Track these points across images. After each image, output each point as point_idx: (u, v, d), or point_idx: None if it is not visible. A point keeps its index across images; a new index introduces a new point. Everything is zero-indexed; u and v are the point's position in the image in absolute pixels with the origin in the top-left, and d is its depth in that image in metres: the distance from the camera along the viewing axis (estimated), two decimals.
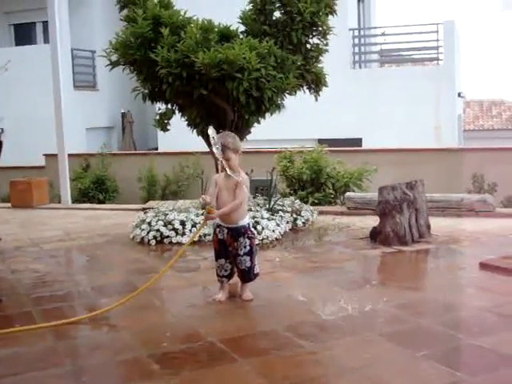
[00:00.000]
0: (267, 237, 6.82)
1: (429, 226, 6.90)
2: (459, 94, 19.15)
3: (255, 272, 4.78)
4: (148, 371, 3.48)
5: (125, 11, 7.40)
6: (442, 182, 10.60)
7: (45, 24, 17.83)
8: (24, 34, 21.35)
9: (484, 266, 5.53)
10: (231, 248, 4.69)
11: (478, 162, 12.02)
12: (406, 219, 6.64)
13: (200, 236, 6.79)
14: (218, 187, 4.59)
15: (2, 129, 16.11)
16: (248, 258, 4.69)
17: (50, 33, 10.72)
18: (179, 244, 6.78)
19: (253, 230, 4.89)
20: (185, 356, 3.70)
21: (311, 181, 10.17)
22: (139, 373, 3.49)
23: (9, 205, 10.82)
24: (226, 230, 4.68)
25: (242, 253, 4.67)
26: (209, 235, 6.55)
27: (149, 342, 3.94)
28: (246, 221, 4.75)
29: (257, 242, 6.50)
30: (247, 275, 4.74)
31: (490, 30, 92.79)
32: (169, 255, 6.51)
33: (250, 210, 7.24)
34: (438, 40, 18.01)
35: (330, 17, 7.57)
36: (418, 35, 18.52)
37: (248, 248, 4.69)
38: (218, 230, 4.74)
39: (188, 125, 7.60)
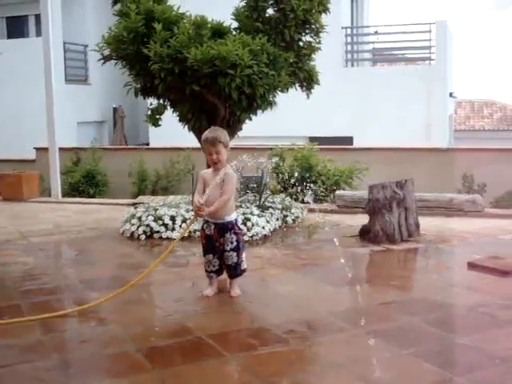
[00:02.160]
0: (257, 233, 6.83)
1: (418, 226, 6.93)
2: (451, 94, 19.23)
3: (242, 268, 4.78)
4: (136, 365, 3.49)
5: (118, 6, 7.38)
6: (432, 182, 10.64)
7: (37, 17, 17.73)
8: (16, 27, 21.26)
9: (472, 265, 5.56)
10: (218, 244, 4.69)
11: (468, 162, 12.09)
12: (395, 218, 6.66)
13: (189, 231, 6.80)
14: (206, 183, 4.59)
15: None
16: (235, 254, 4.69)
17: (43, 26, 10.67)
18: (169, 239, 6.78)
19: (240, 225, 4.90)
20: (173, 350, 3.71)
21: (302, 178, 10.19)
22: (127, 366, 3.50)
23: None
24: (212, 226, 4.68)
25: (228, 248, 4.67)
26: (198, 231, 6.55)
27: (137, 336, 3.95)
28: (233, 216, 4.75)
29: (246, 238, 6.56)
30: (234, 271, 4.75)
31: (482, 30, 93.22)
32: (158, 250, 6.52)
33: (241, 206, 7.25)
34: (430, 40, 18.06)
35: (323, 15, 7.57)
36: (410, 34, 18.59)
37: (235, 244, 4.69)
38: (205, 225, 4.74)
39: (180, 120, 7.59)
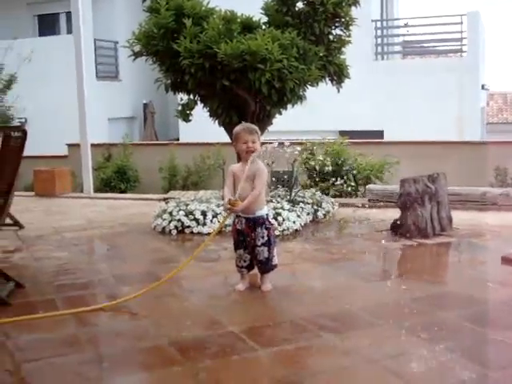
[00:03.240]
0: (288, 228, 6.83)
1: (450, 220, 6.86)
2: (483, 87, 18.99)
3: (273, 263, 4.75)
4: (169, 359, 3.51)
5: (148, 2, 7.41)
6: (464, 175, 10.52)
7: (68, 15, 17.92)
8: (48, 25, 21.50)
9: (506, 260, 5.49)
10: (249, 238, 4.69)
11: (501, 155, 11.91)
12: (427, 212, 6.61)
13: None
14: (236, 177, 4.60)
15: (26, 118, 16.25)
16: (266, 249, 4.67)
17: (74, 23, 10.77)
18: (200, 234, 6.81)
19: (271, 220, 4.88)
20: (205, 345, 3.72)
21: (332, 172, 10.16)
22: (160, 360, 3.53)
23: (32, 193, 10.93)
24: (244, 221, 4.67)
25: (259, 243, 4.66)
26: (230, 225, 6.57)
27: (170, 330, 3.97)
28: (264, 211, 4.74)
29: (277, 233, 6.56)
30: (265, 266, 4.73)
31: None
32: (190, 245, 6.56)
33: (271, 201, 7.25)
34: (461, 31, 17.85)
35: (353, 8, 7.53)
36: (441, 26, 18.39)
37: (266, 239, 4.67)
38: (236, 220, 4.74)
39: (210, 115, 7.61)
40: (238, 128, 4.71)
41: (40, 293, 4.93)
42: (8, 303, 4.49)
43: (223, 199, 4.63)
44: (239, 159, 4.86)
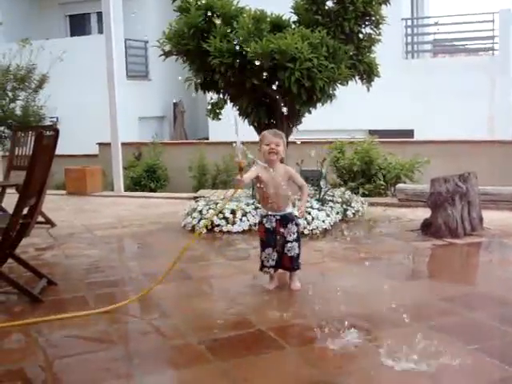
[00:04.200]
0: (317, 227, 6.82)
1: (481, 219, 6.80)
2: None
3: (299, 261, 4.80)
4: (199, 357, 3.54)
5: (178, 1, 7.45)
6: (495, 175, 10.41)
7: (99, 15, 18.10)
8: (79, 25, 21.74)
9: None
10: (279, 236, 4.71)
11: None
12: (458, 212, 6.55)
13: (250, 225, 6.85)
14: (264, 182, 4.63)
15: (57, 118, 16.43)
16: (296, 245, 4.73)
17: (104, 23, 10.86)
18: (229, 233, 6.84)
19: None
20: (234, 343, 3.75)
21: (362, 172, 10.11)
22: (190, 358, 3.55)
23: (64, 192, 11.06)
24: (273, 218, 4.70)
25: (291, 239, 4.70)
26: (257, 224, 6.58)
27: (199, 328, 4.00)
28: (291, 208, 4.82)
29: (306, 232, 6.57)
30: (295, 262, 4.76)
31: None
32: (219, 243, 6.58)
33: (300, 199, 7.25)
34: (493, 29, 17.64)
35: (383, 6, 7.49)
36: (472, 25, 18.19)
37: (296, 235, 4.73)
38: (264, 219, 4.75)
39: (239, 114, 7.63)
40: (264, 133, 4.81)
41: (71, 290, 4.99)
42: (40, 300, 4.56)
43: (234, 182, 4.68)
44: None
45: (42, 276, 4.99)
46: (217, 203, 7.24)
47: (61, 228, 7.57)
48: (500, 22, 17.35)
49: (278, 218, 4.70)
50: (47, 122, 13.87)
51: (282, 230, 4.69)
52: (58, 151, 4.92)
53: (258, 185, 4.71)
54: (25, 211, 4.61)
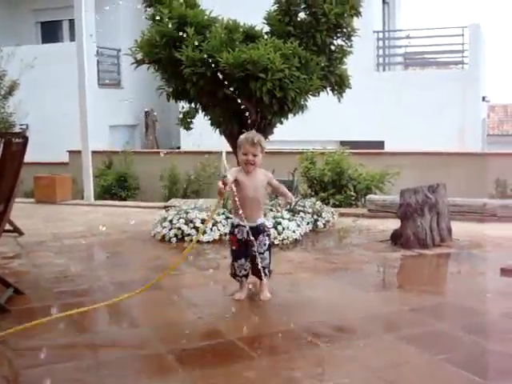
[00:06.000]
0: (288, 237, 6.83)
1: (450, 230, 6.87)
2: (483, 98, 19.03)
3: (271, 268, 4.81)
4: (167, 367, 3.52)
5: (150, 10, 7.44)
6: (464, 186, 10.53)
7: (71, 22, 17.98)
8: (51, 32, 21.58)
9: (505, 271, 5.49)
10: (251, 247, 4.67)
11: (501, 166, 11.93)
12: (427, 223, 6.61)
13: (220, 235, 6.84)
14: (244, 184, 4.60)
15: (27, 125, 16.26)
16: (267, 255, 4.73)
17: (76, 31, 10.81)
18: (200, 242, 6.81)
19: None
20: (204, 353, 3.73)
21: (332, 182, 10.16)
22: (158, 368, 3.53)
23: (33, 200, 10.93)
24: (245, 230, 4.67)
25: (262, 250, 4.70)
26: (228, 234, 6.57)
27: (168, 338, 3.98)
28: (263, 218, 4.83)
29: (277, 242, 6.58)
30: (266, 272, 4.75)
31: None
32: (189, 253, 6.54)
33: (271, 210, 7.26)
34: (463, 43, 17.91)
35: (355, 18, 7.54)
36: (443, 38, 18.44)
37: (267, 245, 4.74)
38: (236, 230, 4.73)
39: (211, 124, 7.62)
40: (242, 137, 4.72)
41: (39, 299, 4.93)
42: (7, 310, 4.49)
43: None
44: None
45: (8, 285, 4.91)
46: (187, 212, 7.22)
47: (29, 236, 7.48)
48: (470, 37, 17.64)
49: (250, 229, 4.66)
50: (17, 129, 13.72)
51: (253, 241, 4.66)
52: (27, 158, 4.88)
53: (235, 189, 4.58)
54: None
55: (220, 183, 4.35)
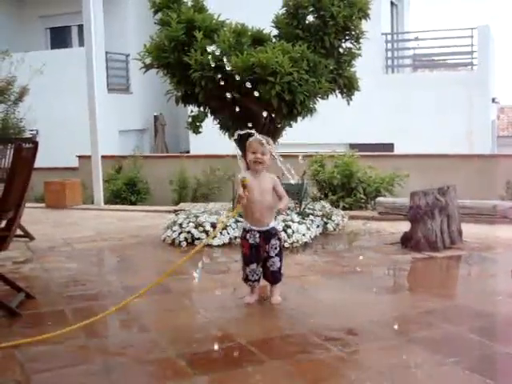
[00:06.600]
0: (297, 240, 6.82)
1: (460, 233, 6.84)
2: (493, 100, 18.96)
3: (282, 272, 4.80)
4: (177, 371, 3.51)
5: (159, 15, 7.46)
6: (474, 189, 10.48)
7: (80, 27, 18.07)
8: (60, 38, 21.67)
9: None
10: (262, 251, 4.69)
11: (511, 168, 11.87)
12: (437, 225, 6.59)
13: (230, 239, 6.84)
14: (251, 188, 4.59)
15: (37, 130, 16.33)
16: (278, 259, 4.72)
17: (85, 36, 10.84)
18: (209, 246, 6.81)
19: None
20: (214, 357, 3.73)
21: (342, 185, 10.14)
22: (168, 372, 3.53)
23: (43, 205, 10.97)
24: (257, 234, 4.68)
25: (273, 254, 4.69)
26: (238, 237, 6.57)
27: (178, 342, 3.98)
28: (274, 222, 4.81)
29: (287, 245, 6.57)
30: (277, 276, 4.75)
31: None
32: (199, 256, 6.55)
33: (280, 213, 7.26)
34: (472, 45, 17.85)
35: (363, 21, 7.55)
36: (451, 40, 18.39)
37: (278, 249, 4.72)
38: (248, 234, 4.72)
39: (220, 128, 7.64)
40: (251, 138, 4.73)
41: (50, 304, 4.95)
42: (18, 314, 4.51)
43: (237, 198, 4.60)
44: (248, 168, 4.87)
45: (19, 290, 4.93)
46: (197, 216, 7.23)
47: (40, 241, 7.50)
48: (479, 38, 17.57)
49: (261, 233, 4.67)
50: (27, 135, 13.77)
51: (265, 245, 4.67)
52: (37, 164, 4.89)
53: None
54: (3, 224, 4.57)
55: (240, 188, 4.44)
